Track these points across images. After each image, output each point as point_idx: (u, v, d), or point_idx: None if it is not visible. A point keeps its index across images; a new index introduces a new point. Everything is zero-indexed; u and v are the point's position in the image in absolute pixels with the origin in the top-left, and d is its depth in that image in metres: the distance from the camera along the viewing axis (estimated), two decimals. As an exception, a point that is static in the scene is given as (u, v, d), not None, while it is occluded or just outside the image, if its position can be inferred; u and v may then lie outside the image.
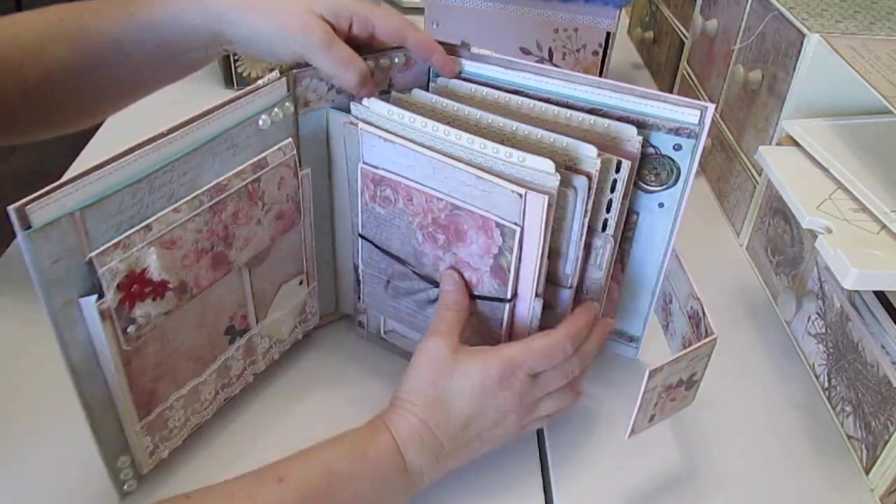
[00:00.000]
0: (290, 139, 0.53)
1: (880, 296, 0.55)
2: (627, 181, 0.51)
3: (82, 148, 0.86)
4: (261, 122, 0.50)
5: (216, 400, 0.56)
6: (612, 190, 0.52)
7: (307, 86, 0.54)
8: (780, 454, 0.58)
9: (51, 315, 0.42)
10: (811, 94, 0.67)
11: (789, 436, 0.59)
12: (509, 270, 0.51)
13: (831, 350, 0.61)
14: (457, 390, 0.49)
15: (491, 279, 0.53)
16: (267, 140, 0.52)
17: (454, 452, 0.50)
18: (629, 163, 0.50)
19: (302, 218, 0.57)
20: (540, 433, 0.58)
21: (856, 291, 0.57)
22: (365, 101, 0.54)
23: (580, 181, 0.48)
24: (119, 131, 0.90)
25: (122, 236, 0.43)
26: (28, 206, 0.38)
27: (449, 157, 0.50)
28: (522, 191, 0.47)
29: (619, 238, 0.55)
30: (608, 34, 0.89)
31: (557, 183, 0.47)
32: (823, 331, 0.62)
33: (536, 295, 0.52)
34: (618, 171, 0.50)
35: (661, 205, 0.54)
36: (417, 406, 0.49)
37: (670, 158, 0.52)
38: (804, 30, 0.66)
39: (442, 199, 0.51)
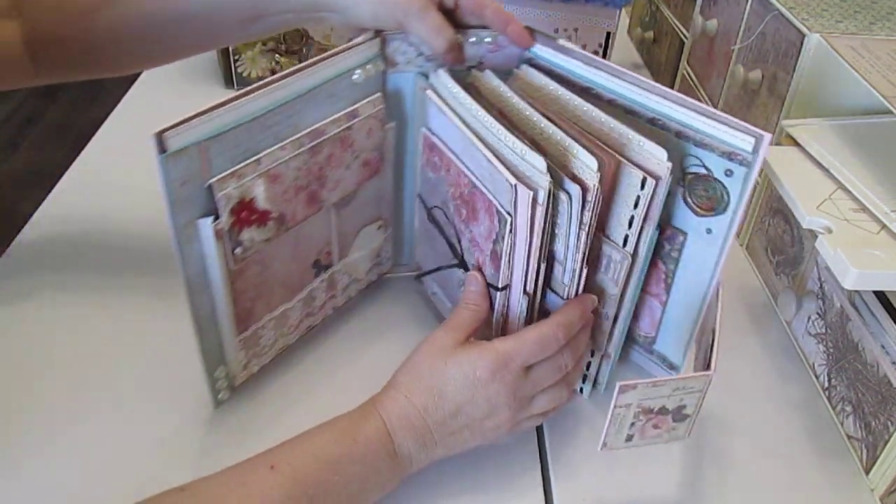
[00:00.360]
0: (379, 94, 0.58)
1: (880, 296, 0.55)
2: (651, 200, 0.49)
3: (82, 148, 0.86)
4: (355, 77, 0.55)
5: (300, 326, 0.62)
6: (636, 206, 0.50)
7: (396, 48, 0.58)
8: (780, 454, 0.58)
9: (175, 232, 0.47)
10: (811, 94, 0.67)
11: (789, 436, 0.59)
12: (502, 259, 0.52)
13: (831, 350, 0.61)
14: (449, 378, 0.50)
15: (490, 264, 0.54)
16: (358, 93, 0.57)
17: (442, 440, 0.50)
18: (654, 181, 0.48)
19: (384, 167, 0.62)
20: (540, 434, 0.58)
21: (856, 291, 0.57)
22: (439, 70, 0.57)
23: (573, 188, 0.48)
24: (119, 132, 0.90)
25: (237, 167, 0.49)
26: (166, 133, 0.44)
27: (476, 136, 0.52)
28: (514, 181, 0.48)
29: (644, 257, 0.53)
30: (608, 34, 0.89)
31: (547, 182, 0.47)
32: (823, 331, 0.62)
33: (524, 292, 0.52)
34: (642, 187, 0.49)
35: (708, 230, 0.52)
36: (411, 390, 0.50)
37: (721, 183, 0.50)
38: (804, 30, 0.66)
39: (466, 175, 0.53)
